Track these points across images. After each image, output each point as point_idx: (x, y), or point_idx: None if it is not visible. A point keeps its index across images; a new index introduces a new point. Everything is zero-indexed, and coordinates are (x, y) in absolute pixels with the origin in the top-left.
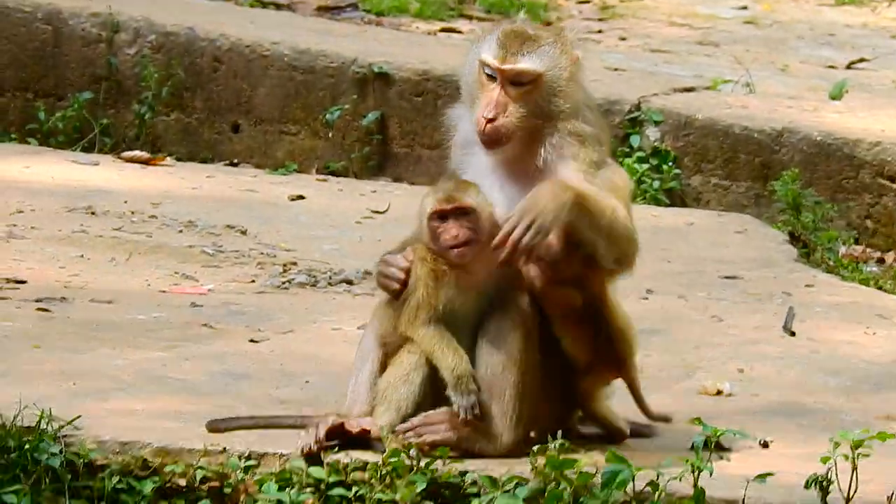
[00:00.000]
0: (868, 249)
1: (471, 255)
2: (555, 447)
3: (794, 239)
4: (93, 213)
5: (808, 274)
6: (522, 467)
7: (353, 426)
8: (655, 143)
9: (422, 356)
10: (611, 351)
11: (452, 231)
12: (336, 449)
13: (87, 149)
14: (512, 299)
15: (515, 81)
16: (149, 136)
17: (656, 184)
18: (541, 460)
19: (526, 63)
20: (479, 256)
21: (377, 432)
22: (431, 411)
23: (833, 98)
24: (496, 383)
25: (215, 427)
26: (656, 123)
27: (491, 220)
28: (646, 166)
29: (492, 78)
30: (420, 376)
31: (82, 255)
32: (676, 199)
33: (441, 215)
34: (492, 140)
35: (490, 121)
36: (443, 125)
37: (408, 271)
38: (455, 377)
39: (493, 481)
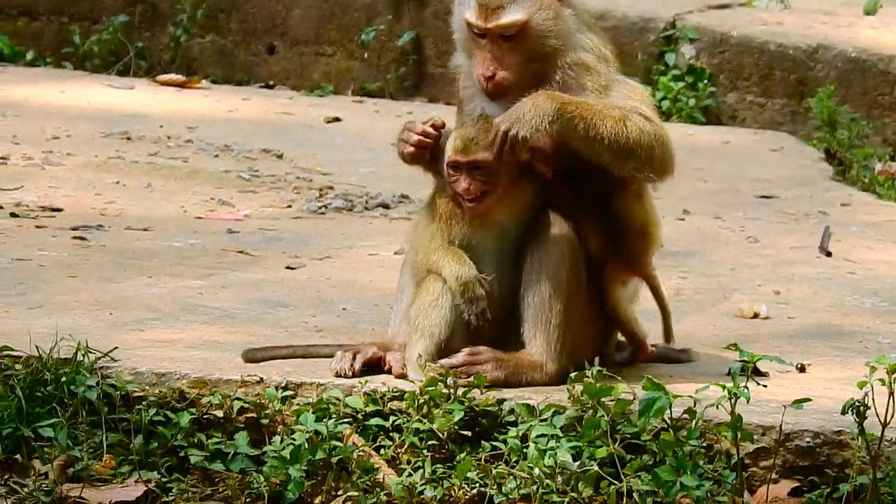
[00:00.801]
0: None
1: (483, 206)
2: (592, 375)
3: (829, 156)
4: (128, 139)
5: (843, 192)
6: (560, 395)
7: (393, 366)
8: (690, 61)
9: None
10: (625, 247)
11: (464, 184)
12: (366, 382)
13: (123, 72)
14: (553, 227)
15: (503, 35)
16: (184, 58)
17: (692, 102)
18: (578, 388)
19: (509, 16)
20: (497, 201)
21: (415, 377)
22: (475, 347)
23: (868, 13)
24: (541, 312)
25: (251, 357)
26: (691, 41)
27: (509, 167)
28: (681, 84)
29: (480, 35)
30: (449, 300)
31: (118, 182)
32: (712, 116)
33: (455, 165)
34: (497, 94)
35: (489, 78)
36: None
37: (425, 135)
38: (460, 284)
39: (531, 410)
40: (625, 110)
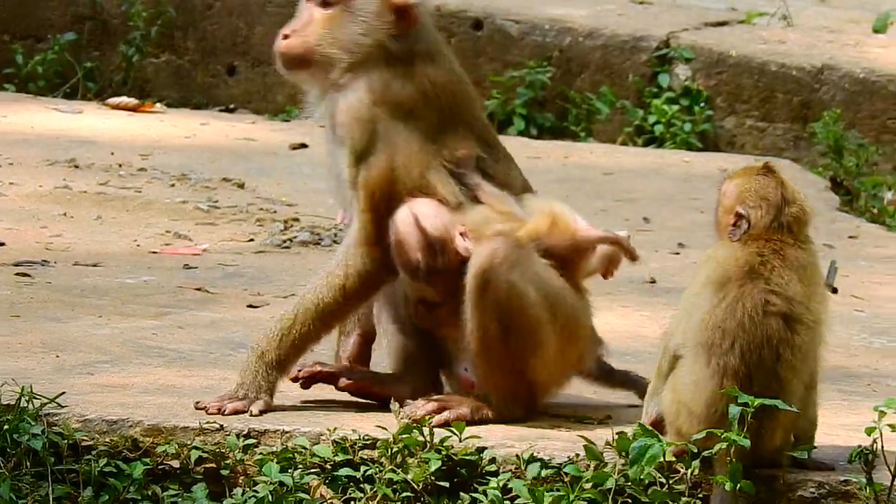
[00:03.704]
0: None
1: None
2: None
3: (835, 185)
4: (76, 167)
5: (851, 223)
6: (544, 443)
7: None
8: (686, 83)
9: None
10: None
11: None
12: (335, 429)
13: (70, 95)
14: None
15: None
16: (137, 80)
17: (687, 126)
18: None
19: None
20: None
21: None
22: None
23: (877, 31)
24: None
25: None
26: (687, 61)
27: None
28: (675, 107)
29: None
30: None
31: (65, 214)
32: (709, 142)
33: None
34: (285, 59)
35: (286, 36)
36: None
37: None
38: None
39: (513, 460)
40: (322, 284)
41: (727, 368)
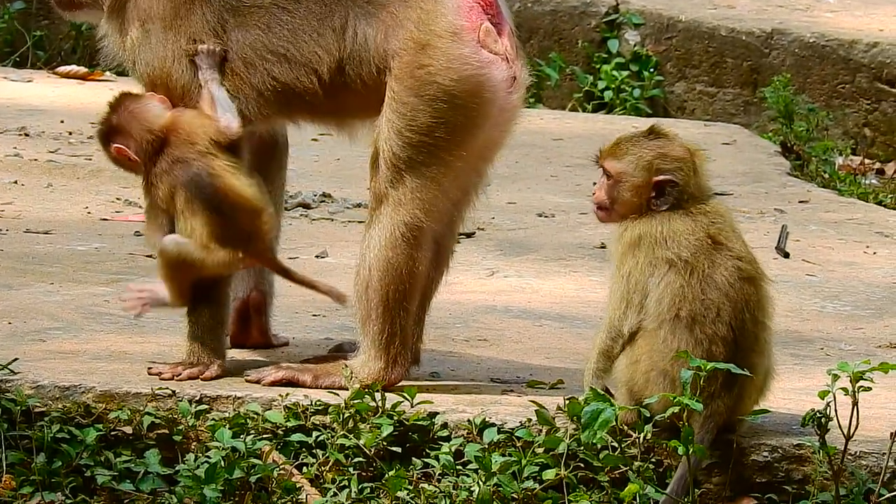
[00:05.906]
0: (866, 160)
1: None
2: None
3: (786, 150)
4: (26, 135)
5: (801, 188)
6: (496, 408)
7: None
8: (635, 48)
9: None
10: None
11: None
12: (287, 395)
13: (20, 64)
14: None
15: None
16: (87, 48)
17: (636, 92)
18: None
19: None
20: None
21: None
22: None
23: None
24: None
25: None
26: (636, 26)
27: None
28: (625, 73)
29: None
30: None
31: (16, 182)
32: (659, 108)
33: None
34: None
35: None
36: None
37: None
38: None
39: (465, 425)
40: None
41: (715, 337)
